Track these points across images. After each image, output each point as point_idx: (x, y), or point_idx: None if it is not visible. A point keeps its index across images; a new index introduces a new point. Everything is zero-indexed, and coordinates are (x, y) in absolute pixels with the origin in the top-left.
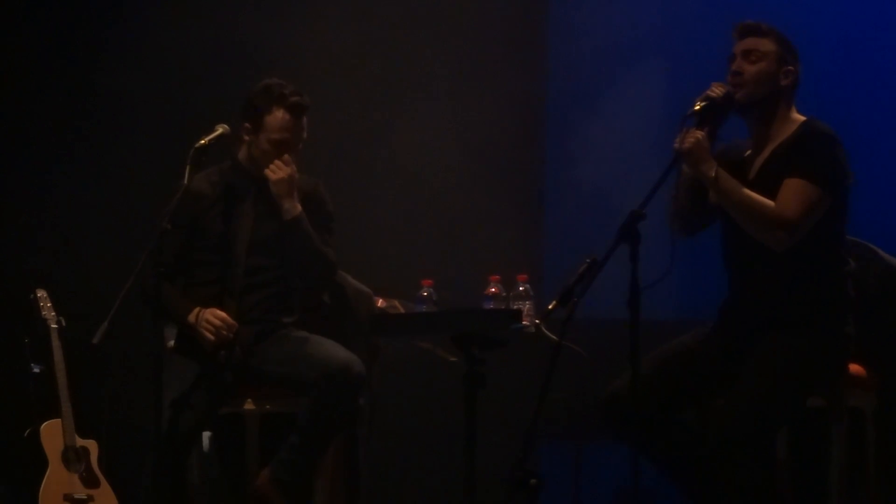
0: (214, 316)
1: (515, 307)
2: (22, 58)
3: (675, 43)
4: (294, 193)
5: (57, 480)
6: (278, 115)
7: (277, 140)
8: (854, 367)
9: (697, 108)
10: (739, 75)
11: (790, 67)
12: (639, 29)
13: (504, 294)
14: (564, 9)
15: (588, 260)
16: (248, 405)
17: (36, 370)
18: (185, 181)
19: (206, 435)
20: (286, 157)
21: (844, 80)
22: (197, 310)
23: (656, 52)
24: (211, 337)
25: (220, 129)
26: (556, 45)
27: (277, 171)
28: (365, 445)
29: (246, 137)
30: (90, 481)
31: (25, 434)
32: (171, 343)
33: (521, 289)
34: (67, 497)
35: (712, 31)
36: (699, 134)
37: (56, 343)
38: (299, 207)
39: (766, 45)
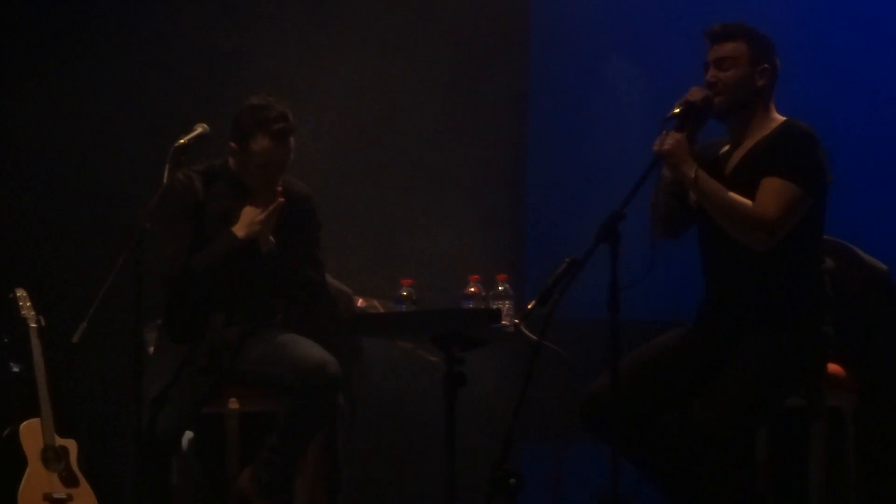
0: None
1: (495, 307)
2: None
3: (658, 42)
4: (269, 237)
5: (36, 480)
6: (263, 143)
7: (262, 165)
8: (833, 367)
9: (677, 111)
10: (714, 85)
11: (765, 65)
12: (621, 28)
13: (484, 294)
14: (546, 8)
15: (567, 260)
16: (230, 405)
17: (15, 369)
18: (165, 180)
19: (186, 435)
20: (275, 190)
21: (823, 80)
22: (232, 229)
23: (639, 51)
24: (269, 217)
25: (199, 129)
26: (539, 45)
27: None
28: (345, 445)
29: (231, 157)
30: (69, 481)
31: (4, 434)
32: (158, 322)
33: (500, 288)
34: (47, 497)
35: (697, 28)
36: (678, 136)
37: (35, 342)
38: (273, 242)
39: (737, 48)
